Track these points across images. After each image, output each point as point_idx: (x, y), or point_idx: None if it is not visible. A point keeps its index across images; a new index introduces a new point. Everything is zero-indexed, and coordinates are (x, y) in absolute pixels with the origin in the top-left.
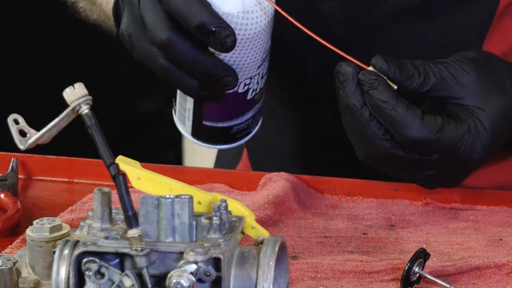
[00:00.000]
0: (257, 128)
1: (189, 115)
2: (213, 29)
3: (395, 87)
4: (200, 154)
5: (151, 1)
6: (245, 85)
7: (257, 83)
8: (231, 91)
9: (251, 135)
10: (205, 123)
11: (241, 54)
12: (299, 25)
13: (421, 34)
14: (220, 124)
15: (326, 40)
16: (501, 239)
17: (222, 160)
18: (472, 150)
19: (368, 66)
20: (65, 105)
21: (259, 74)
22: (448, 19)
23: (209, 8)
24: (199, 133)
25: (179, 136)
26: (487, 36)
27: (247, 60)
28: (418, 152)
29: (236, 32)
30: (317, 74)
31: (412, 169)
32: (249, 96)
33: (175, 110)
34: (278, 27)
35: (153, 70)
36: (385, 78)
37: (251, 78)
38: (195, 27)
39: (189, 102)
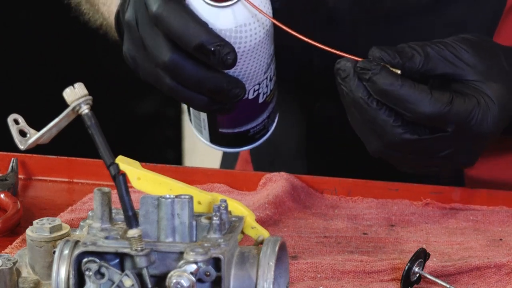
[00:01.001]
0: (274, 125)
1: (204, 124)
2: (212, 48)
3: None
4: (200, 154)
5: (149, 23)
6: (254, 91)
7: (266, 86)
8: (242, 98)
9: (269, 133)
10: (221, 130)
11: (245, 65)
12: (296, 34)
13: (429, 29)
14: (237, 130)
15: (334, 34)
16: (501, 239)
17: (228, 159)
18: (483, 124)
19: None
20: (65, 105)
21: (266, 78)
22: (457, 14)
23: (206, 27)
24: (217, 139)
25: (179, 136)
26: (496, 32)
27: (252, 69)
28: (431, 131)
29: (236, 46)
30: (320, 71)
31: (427, 153)
32: (260, 100)
33: (190, 119)
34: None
35: (161, 89)
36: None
37: (259, 84)
38: (194, 48)
39: (203, 113)
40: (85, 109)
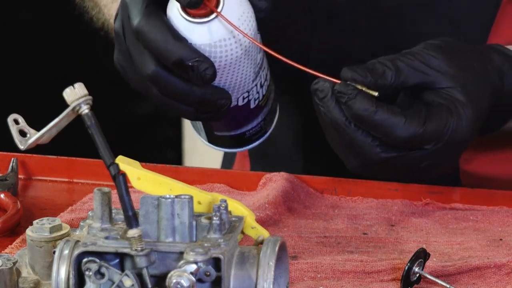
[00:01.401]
0: (273, 126)
1: (200, 127)
2: (191, 64)
3: (376, 94)
4: (200, 154)
5: (133, 37)
6: (244, 98)
7: (257, 92)
8: (231, 106)
9: (267, 134)
10: (216, 133)
11: (229, 77)
12: (275, 54)
13: (428, 23)
14: (232, 133)
15: (333, 32)
16: (501, 239)
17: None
18: (458, 131)
19: (339, 78)
20: (65, 105)
21: (256, 85)
22: (454, 10)
23: (185, 43)
24: (215, 141)
25: (179, 136)
26: (493, 28)
27: (238, 79)
28: (409, 148)
29: (217, 60)
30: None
31: (406, 167)
32: (252, 106)
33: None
34: (278, 24)
35: (150, 99)
36: (361, 88)
37: (248, 92)
38: (172, 63)
39: None
40: (85, 109)
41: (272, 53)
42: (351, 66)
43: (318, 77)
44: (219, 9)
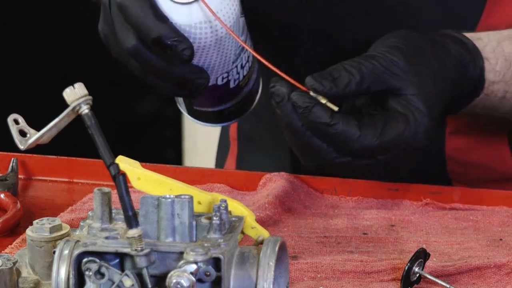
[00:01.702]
0: (254, 105)
1: (181, 100)
2: (169, 43)
3: (336, 109)
4: (200, 154)
5: (118, 10)
6: (223, 78)
7: (238, 73)
8: (210, 84)
9: (247, 112)
10: (196, 108)
11: (209, 57)
12: (250, 49)
13: (418, 4)
14: (211, 109)
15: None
16: (501, 239)
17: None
18: (415, 140)
19: (304, 85)
20: (65, 105)
21: (236, 67)
22: None
23: (165, 21)
24: (194, 114)
25: (179, 136)
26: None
27: (218, 60)
28: (364, 156)
29: (196, 41)
30: (309, 70)
31: (362, 169)
32: (232, 85)
33: None
34: (267, 19)
35: (130, 70)
36: (323, 100)
37: (228, 72)
38: (152, 41)
39: None
40: (85, 109)
41: (247, 47)
42: (316, 74)
43: (286, 79)
44: None
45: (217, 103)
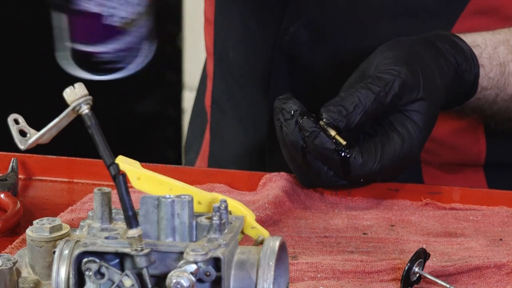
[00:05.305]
0: (138, 66)
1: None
2: None
3: (344, 143)
4: None
5: None
6: (97, 4)
7: (115, 8)
8: (82, 8)
9: (128, 71)
10: (74, 46)
11: None
12: None
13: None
14: (88, 49)
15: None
16: (501, 239)
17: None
18: (410, 155)
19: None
20: (65, 105)
21: (122, 4)
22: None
23: None
24: (74, 57)
25: (179, 136)
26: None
27: None
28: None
29: None
30: (319, 67)
31: (357, 185)
32: (107, 21)
33: None
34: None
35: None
36: (333, 134)
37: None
38: None
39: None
40: (85, 109)
41: None
42: (331, 105)
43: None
44: None
45: (91, 38)
